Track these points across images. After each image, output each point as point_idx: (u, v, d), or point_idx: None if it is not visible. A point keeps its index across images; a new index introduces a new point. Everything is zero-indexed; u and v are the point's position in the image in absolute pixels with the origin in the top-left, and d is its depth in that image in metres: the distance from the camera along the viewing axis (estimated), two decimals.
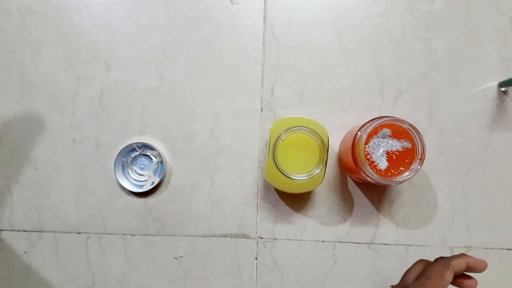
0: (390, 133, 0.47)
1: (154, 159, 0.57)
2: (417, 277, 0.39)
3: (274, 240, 0.56)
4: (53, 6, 0.58)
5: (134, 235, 0.57)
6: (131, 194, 0.57)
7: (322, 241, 0.56)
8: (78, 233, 0.58)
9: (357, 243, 0.55)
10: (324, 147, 0.46)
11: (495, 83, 0.55)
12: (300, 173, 0.47)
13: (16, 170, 0.58)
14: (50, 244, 0.58)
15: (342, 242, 0.55)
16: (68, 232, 0.58)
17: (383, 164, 0.47)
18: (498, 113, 0.55)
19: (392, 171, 0.47)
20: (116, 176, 0.56)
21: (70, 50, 0.58)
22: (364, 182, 0.54)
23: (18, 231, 0.58)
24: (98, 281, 0.57)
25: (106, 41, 0.58)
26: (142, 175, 0.57)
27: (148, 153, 0.57)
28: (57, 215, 0.58)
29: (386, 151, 0.47)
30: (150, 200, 0.57)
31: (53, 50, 0.58)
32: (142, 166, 0.57)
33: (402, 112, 0.55)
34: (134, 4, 0.58)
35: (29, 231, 0.58)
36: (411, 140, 0.46)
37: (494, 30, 0.55)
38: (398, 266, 0.55)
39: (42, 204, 0.58)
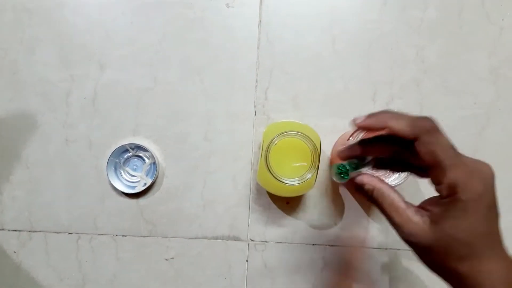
0: None
1: (146, 160, 0.57)
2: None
3: (265, 242, 0.56)
4: (47, 5, 0.58)
5: (125, 236, 0.57)
6: (123, 195, 0.57)
7: (313, 245, 0.56)
8: (69, 233, 0.57)
9: (347, 246, 0.56)
10: (316, 152, 0.47)
11: (485, 90, 0.56)
12: (292, 177, 0.47)
13: (7, 169, 0.58)
14: (41, 244, 0.57)
15: (332, 245, 0.56)
16: (59, 232, 0.58)
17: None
18: (487, 120, 0.56)
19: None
20: (108, 177, 0.56)
21: (64, 49, 0.58)
22: None
23: (8, 230, 0.58)
24: (88, 282, 0.57)
25: (101, 41, 0.58)
26: (134, 176, 0.57)
27: (141, 154, 0.57)
28: (48, 214, 0.58)
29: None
30: (142, 201, 0.57)
31: (47, 49, 0.58)
32: (135, 167, 0.57)
33: None
34: (130, 5, 0.58)
35: (20, 231, 0.58)
36: None
37: (484, 38, 0.56)
38: (388, 269, 0.56)
39: (33, 204, 0.58)
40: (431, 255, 0.31)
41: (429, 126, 0.29)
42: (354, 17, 0.57)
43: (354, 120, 0.33)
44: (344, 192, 0.56)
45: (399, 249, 0.56)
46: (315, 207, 0.56)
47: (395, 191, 0.33)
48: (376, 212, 0.56)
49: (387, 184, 0.33)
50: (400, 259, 0.56)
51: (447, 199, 0.29)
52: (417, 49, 0.56)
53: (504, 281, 0.29)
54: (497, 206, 0.29)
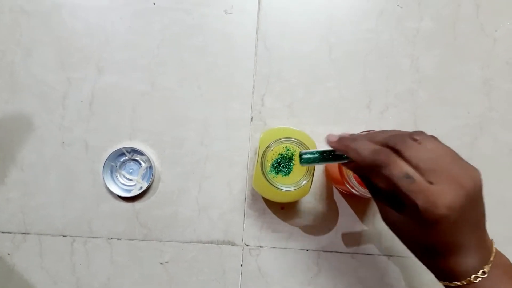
0: None
1: (143, 164, 0.57)
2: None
3: (259, 247, 0.57)
4: (46, 7, 0.58)
5: (120, 239, 0.57)
6: (119, 198, 0.57)
7: (307, 250, 0.57)
8: (63, 236, 0.57)
9: (340, 252, 0.57)
10: None
11: (478, 101, 0.57)
12: (287, 184, 0.47)
13: (2, 171, 0.58)
14: (35, 246, 0.57)
15: (326, 251, 0.57)
16: (54, 235, 0.57)
17: None
18: (480, 130, 0.57)
19: None
20: (104, 180, 0.56)
21: (62, 52, 0.58)
22: (349, 194, 0.56)
23: (2, 232, 0.58)
24: (82, 285, 0.57)
25: (99, 44, 0.58)
26: (130, 179, 0.57)
27: (137, 158, 0.57)
28: (42, 217, 0.57)
29: None
30: (137, 205, 0.57)
31: (45, 51, 0.58)
32: (131, 170, 0.57)
33: (388, 126, 0.57)
34: (128, 9, 0.58)
35: (14, 233, 0.58)
36: None
37: (479, 50, 0.57)
38: (380, 275, 0.56)
39: (28, 206, 0.57)
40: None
41: (384, 162, 0.32)
42: (350, 27, 0.57)
43: (327, 137, 0.37)
44: (339, 198, 0.57)
45: (391, 256, 0.56)
46: (310, 213, 0.57)
47: None
48: (370, 219, 0.56)
49: None
50: (394, 266, 0.56)
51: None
52: (412, 59, 0.57)
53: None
54: (468, 213, 0.30)
